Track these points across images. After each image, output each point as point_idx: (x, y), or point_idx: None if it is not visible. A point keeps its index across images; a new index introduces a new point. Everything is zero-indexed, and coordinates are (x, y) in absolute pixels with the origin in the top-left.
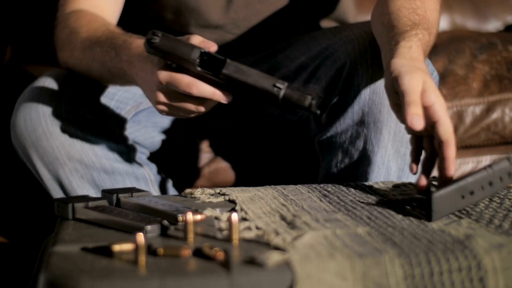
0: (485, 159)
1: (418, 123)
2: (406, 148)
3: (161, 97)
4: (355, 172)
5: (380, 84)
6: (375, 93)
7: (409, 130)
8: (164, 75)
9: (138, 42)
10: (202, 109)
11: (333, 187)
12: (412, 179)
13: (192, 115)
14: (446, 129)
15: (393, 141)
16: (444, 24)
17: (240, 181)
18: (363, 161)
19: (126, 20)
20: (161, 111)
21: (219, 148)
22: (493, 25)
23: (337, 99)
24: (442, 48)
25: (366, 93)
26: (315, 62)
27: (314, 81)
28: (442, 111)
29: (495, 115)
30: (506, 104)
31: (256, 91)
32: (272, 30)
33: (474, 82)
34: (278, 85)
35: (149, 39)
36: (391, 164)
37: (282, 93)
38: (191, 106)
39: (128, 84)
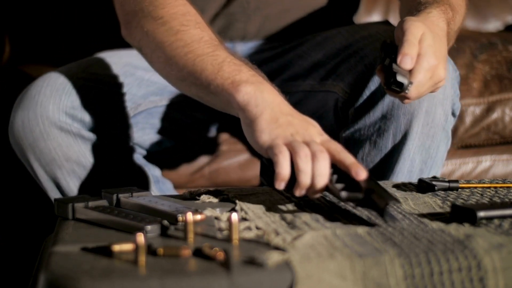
0: (485, 159)
1: (409, 63)
2: (432, 142)
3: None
4: (381, 165)
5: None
6: None
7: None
8: (327, 137)
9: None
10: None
11: None
12: (433, 173)
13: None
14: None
15: (420, 133)
16: None
17: (241, 181)
18: (391, 153)
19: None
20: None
21: (220, 148)
22: (493, 25)
23: (367, 94)
24: None
25: None
26: (335, 59)
27: (334, 77)
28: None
29: (495, 115)
30: (506, 104)
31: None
32: (283, 22)
33: (474, 82)
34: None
35: None
36: (416, 156)
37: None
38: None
39: (225, 109)
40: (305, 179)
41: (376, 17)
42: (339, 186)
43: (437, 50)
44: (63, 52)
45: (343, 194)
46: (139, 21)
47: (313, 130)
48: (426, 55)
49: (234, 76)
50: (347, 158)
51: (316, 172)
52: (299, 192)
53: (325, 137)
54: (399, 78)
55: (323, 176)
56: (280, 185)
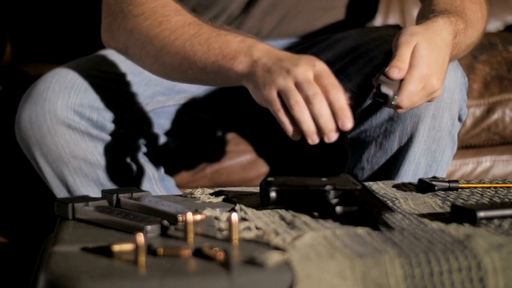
0: (485, 160)
1: (396, 73)
2: (437, 146)
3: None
4: (386, 166)
5: None
6: None
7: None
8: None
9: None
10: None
11: None
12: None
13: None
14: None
15: (426, 137)
16: None
17: (243, 182)
18: (396, 156)
19: None
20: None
21: (222, 149)
22: (493, 25)
23: None
24: None
25: None
26: (343, 60)
27: (342, 77)
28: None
29: (496, 115)
30: (506, 104)
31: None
32: (298, 23)
33: (475, 84)
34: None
35: None
36: (421, 159)
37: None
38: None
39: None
40: (306, 126)
41: (376, 18)
42: (334, 200)
43: (432, 61)
44: (64, 52)
45: (338, 209)
46: (120, 22)
47: (304, 63)
48: (418, 65)
49: (224, 49)
50: (335, 100)
51: (316, 116)
52: (311, 140)
53: (318, 67)
54: (383, 89)
55: (325, 116)
56: (295, 136)
